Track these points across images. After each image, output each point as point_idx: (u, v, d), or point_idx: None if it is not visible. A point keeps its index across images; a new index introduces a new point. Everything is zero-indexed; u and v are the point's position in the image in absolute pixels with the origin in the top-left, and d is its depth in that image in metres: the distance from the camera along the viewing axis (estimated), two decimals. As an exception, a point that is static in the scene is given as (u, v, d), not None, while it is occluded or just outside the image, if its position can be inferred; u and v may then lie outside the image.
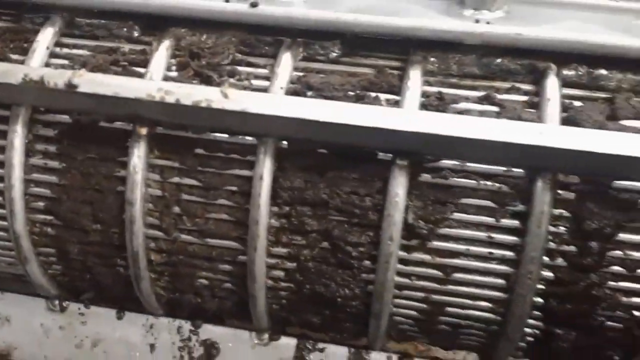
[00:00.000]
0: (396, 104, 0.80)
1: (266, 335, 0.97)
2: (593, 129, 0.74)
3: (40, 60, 0.88)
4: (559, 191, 0.76)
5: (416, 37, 0.82)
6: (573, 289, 0.78)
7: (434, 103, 0.80)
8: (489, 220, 0.78)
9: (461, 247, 0.79)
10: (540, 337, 0.83)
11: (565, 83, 0.80)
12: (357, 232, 0.81)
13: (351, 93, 0.81)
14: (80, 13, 0.91)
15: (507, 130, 0.73)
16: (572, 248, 0.77)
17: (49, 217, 0.90)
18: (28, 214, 0.90)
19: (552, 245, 0.77)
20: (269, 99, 0.76)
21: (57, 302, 1.01)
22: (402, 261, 0.81)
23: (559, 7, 0.86)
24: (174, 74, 0.85)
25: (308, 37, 0.86)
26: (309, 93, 0.81)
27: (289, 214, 0.82)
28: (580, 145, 0.71)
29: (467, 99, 0.81)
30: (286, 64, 0.84)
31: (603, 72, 0.80)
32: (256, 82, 0.84)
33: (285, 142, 0.81)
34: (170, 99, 0.74)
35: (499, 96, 0.80)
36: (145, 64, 0.86)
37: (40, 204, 0.90)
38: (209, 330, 0.98)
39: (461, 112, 0.79)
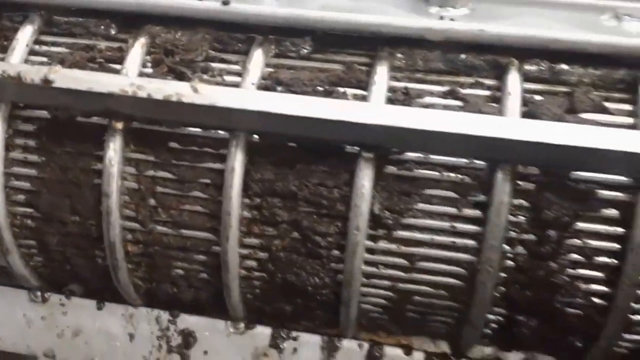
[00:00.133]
0: (363, 98, 0.83)
1: (242, 325, 0.99)
2: (551, 122, 0.77)
3: (20, 58, 0.90)
4: (519, 182, 0.78)
5: (382, 34, 0.85)
6: (533, 276, 0.81)
7: (399, 98, 0.83)
8: (452, 210, 0.81)
9: (425, 236, 0.82)
10: (503, 324, 0.86)
11: (527, 78, 0.82)
12: (326, 223, 0.84)
13: (320, 88, 0.84)
14: (58, 11, 0.93)
15: (467, 124, 0.76)
16: (531, 237, 0.79)
17: (29, 210, 0.93)
18: (9, 207, 0.93)
19: (512, 234, 0.79)
20: (238, 93, 0.79)
21: (39, 293, 1.04)
22: (369, 250, 0.84)
23: (522, 5, 0.89)
24: (149, 70, 0.88)
25: (280, 34, 0.88)
26: (279, 88, 0.84)
27: (260, 205, 0.85)
28: (537, 137, 0.74)
29: (432, 93, 0.83)
30: (257, 61, 0.86)
31: (564, 67, 0.83)
32: (229, 78, 0.87)
33: (256, 136, 0.84)
34: (142, 94, 0.77)
35: (463, 91, 0.83)
36: (121, 60, 0.88)
37: (21, 196, 0.92)
38: (187, 320, 1.01)
39: (426, 106, 0.82)
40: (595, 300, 0.81)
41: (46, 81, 0.80)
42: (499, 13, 0.87)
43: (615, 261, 0.78)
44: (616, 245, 0.78)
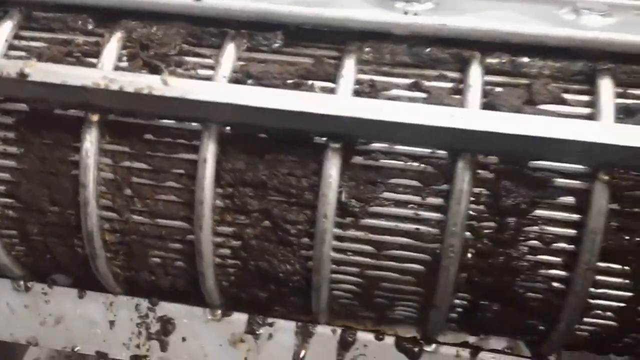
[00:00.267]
0: (332, 91, 0.86)
1: (219, 312, 1.02)
2: (509, 113, 0.80)
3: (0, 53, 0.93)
4: (479, 171, 0.81)
5: (350, 29, 0.87)
6: (493, 262, 0.84)
7: (366, 90, 0.85)
8: (416, 198, 0.84)
9: (391, 224, 0.85)
10: (468, 308, 0.89)
11: (489, 70, 0.85)
12: (295, 211, 0.87)
13: (289, 81, 0.86)
14: (37, 7, 0.96)
15: (429, 115, 0.79)
16: (491, 224, 0.83)
17: (9, 200, 0.96)
18: (-11, 198, 0.96)
19: (472, 221, 0.83)
20: (207, 86, 0.82)
21: (21, 282, 1.07)
22: (338, 238, 0.87)
23: (486, -1, 0.92)
24: (125, 64, 0.91)
25: (252, 28, 0.91)
26: (249, 81, 0.86)
27: (232, 194, 0.88)
28: (495, 128, 0.77)
29: (397, 86, 0.86)
30: (230, 54, 0.89)
31: (525, 59, 0.85)
32: (202, 72, 0.89)
33: (228, 128, 0.87)
34: (114, 87, 0.79)
35: (427, 83, 0.85)
36: (98, 55, 0.90)
37: (2, 187, 0.95)
38: (166, 308, 1.04)
39: (392, 98, 0.85)
40: (554, 284, 0.84)
41: (22, 75, 0.82)
42: (463, 7, 0.89)
43: (572, 246, 0.82)
44: (572, 231, 0.81)
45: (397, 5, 0.88)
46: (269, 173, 0.86)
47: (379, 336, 0.99)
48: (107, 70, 0.87)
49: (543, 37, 0.83)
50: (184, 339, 1.04)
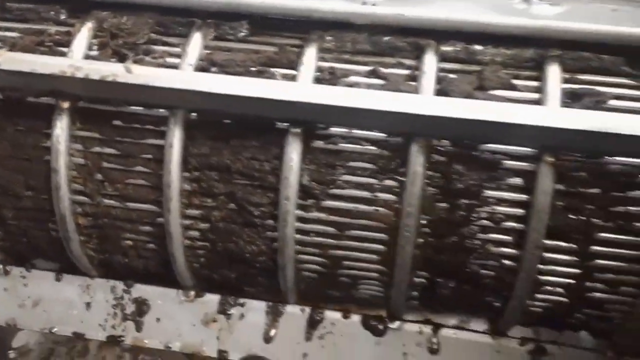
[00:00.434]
0: (293, 78, 0.89)
1: (192, 293, 1.06)
2: (460, 98, 0.83)
3: (-25, 43, 0.96)
4: (432, 154, 0.85)
5: (312, 18, 0.91)
6: (447, 241, 0.88)
7: (326, 77, 0.89)
8: (373, 181, 0.88)
9: (350, 205, 0.89)
10: (427, 286, 0.93)
11: (444, 58, 0.89)
12: (259, 194, 0.90)
13: (252, 69, 0.90)
14: (11, -2, 0.99)
15: (385, 100, 0.82)
16: (444, 205, 0.86)
17: (-15, 186, 0.99)
18: (-35, 183, 0.99)
19: (425, 202, 0.86)
20: (169, 73, 0.85)
21: (0, 266, 1.10)
22: (301, 219, 0.91)
23: (444, -11, 0.95)
24: (95, 53, 0.94)
25: (219, 18, 0.94)
26: (214, 69, 0.90)
27: (198, 178, 0.91)
28: (446, 113, 0.81)
29: (357, 73, 0.90)
30: (196, 43, 0.92)
31: (478, 47, 0.89)
32: (170, 60, 0.93)
33: (194, 114, 0.90)
34: (80, 75, 0.83)
35: (384, 70, 0.89)
36: (69, 44, 0.94)
37: (-24, 173, 0.99)
38: (141, 289, 1.07)
39: (351, 85, 0.88)
40: (505, 262, 0.88)
41: (-7, 64, 0.86)
42: (421, -3, 0.93)
43: (521, 225, 0.86)
44: (521, 211, 0.85)
45: (357, -5, 0.92)
46: (234, 157, 0.89)
47: (346, 315, 1.04)
48: (76, 58, 0.90)
49: (495, 25, 0.87)
50: (158, 320, 1.08)
